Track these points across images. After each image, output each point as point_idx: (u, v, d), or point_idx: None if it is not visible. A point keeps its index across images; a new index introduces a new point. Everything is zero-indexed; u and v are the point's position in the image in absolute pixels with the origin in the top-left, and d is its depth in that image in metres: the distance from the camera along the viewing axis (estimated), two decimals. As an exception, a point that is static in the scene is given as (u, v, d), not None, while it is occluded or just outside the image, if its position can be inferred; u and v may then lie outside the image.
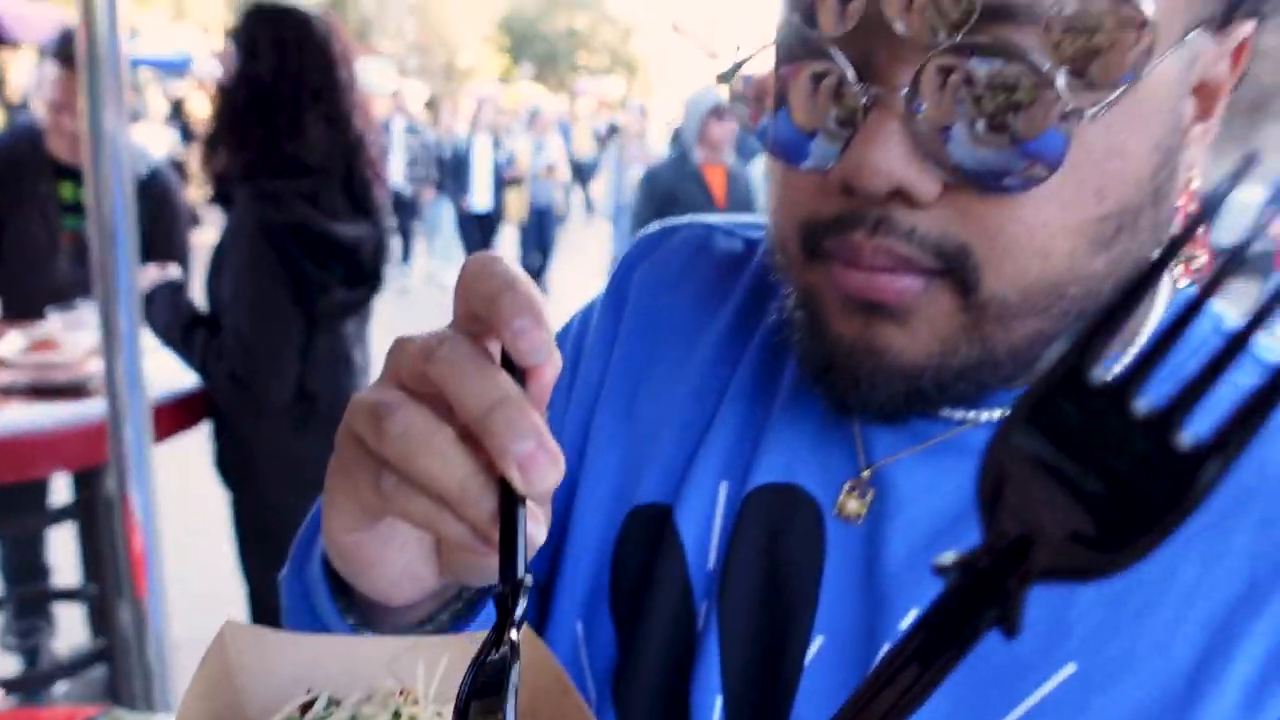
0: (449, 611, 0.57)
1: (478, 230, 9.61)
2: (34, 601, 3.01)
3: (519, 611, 0.43)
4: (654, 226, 0.82)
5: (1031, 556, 0.25)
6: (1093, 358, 0.26)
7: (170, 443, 2.42)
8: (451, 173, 10.09)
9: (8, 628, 2.95)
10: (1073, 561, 0.25)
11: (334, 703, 0.47)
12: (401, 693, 0.46)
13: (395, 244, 9.94)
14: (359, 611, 0.56)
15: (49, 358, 2.39)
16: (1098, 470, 0.24)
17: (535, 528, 0.44)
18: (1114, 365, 0.59)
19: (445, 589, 0.55)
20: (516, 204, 10.19)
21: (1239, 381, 0.26)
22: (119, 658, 2.47)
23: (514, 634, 0.43)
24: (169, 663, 2.05)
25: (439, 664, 0.49)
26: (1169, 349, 0.27)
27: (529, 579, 0.44)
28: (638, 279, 0.78)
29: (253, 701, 0.49)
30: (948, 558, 0.27)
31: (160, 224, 3.08)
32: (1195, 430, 0.24)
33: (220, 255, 2.28)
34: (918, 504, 0.61)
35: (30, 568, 3.07)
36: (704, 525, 0.67)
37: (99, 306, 1.88)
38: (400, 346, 0.46)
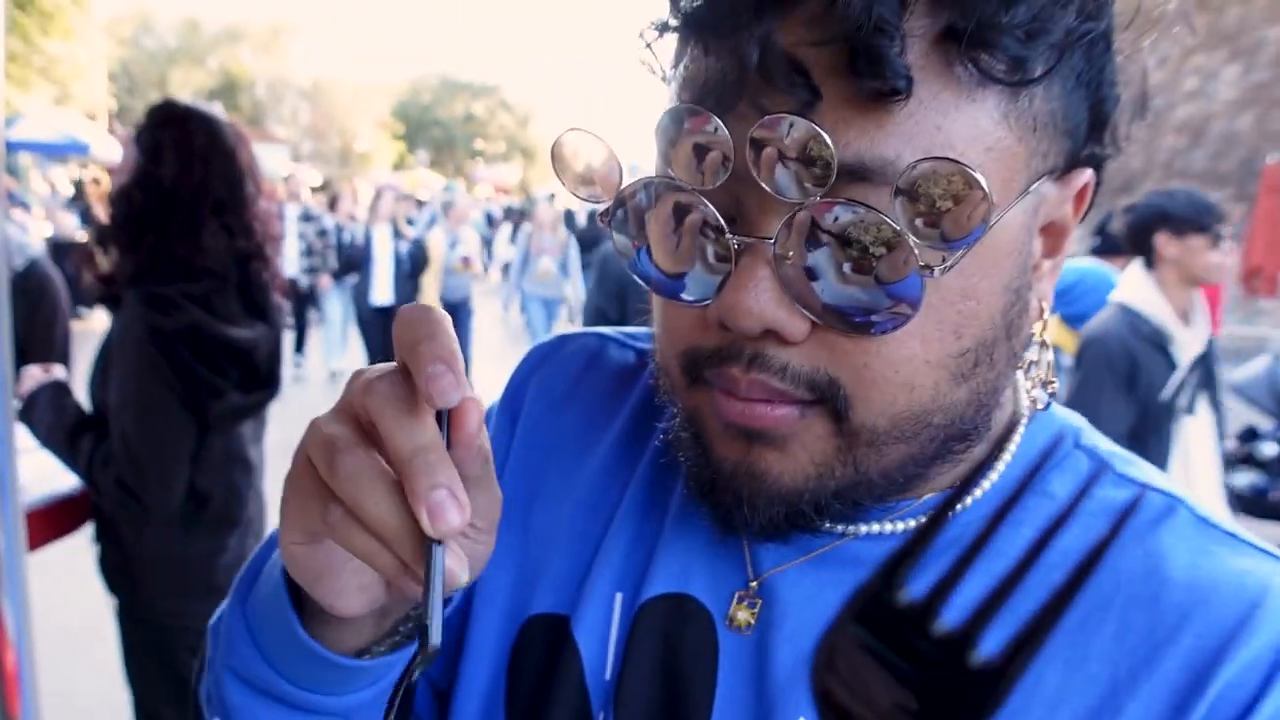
0: (386, 644, 0.61)
1: (379, 325, 8.75)
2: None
3: (433, 639, 0.48)
4: (550, 337, 0.85)
5: None
6: (898, 583, 0.31)
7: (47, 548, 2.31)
8: (347, 264, 9.47)
9: None
10: None
11: None
12: None
13: (290, 334, 9.40)
14: (314, 628, 0.59)
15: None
16: (908, 677, 0.27)
17: (459, 568, 0.49)
18: (976, 489, 0.63)
19: (386, 617, 0.60)
20: (429, 297, 9.35)
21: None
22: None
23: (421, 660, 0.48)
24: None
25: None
26: (969, 568, 0.33)
27: (436, 619, 0.48)
28: (531, 391, 0.81)
29: None
30: None
31: (40, 316, 2.99)
32: (989, 645, 0.28)
33: (105, 358, 2.19)
34: (802, 613, 0.63)
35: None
36: (601, 635, 0.68)
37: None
38: (355, 377, 0.52)
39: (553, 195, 11.35)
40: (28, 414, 2.21)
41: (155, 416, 2.13)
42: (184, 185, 2.14)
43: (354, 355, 10.26)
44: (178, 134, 2.15)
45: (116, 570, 2.30)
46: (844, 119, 0.50)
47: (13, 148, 17.30)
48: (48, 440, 2.21)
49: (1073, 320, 3.38)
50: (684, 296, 0.58)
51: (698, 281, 0.57)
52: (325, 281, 10.13)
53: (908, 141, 0.50)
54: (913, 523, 0.63)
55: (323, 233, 10.17)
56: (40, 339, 2.99)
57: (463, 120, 53.92)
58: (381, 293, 8.66)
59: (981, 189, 0.49)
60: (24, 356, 2.68)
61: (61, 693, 3.48)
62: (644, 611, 0.67)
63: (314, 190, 13.24)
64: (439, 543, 0.48)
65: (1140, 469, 0.65)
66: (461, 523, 0.47)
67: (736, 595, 0.65)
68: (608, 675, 0.67)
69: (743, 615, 0.64)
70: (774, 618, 0.63)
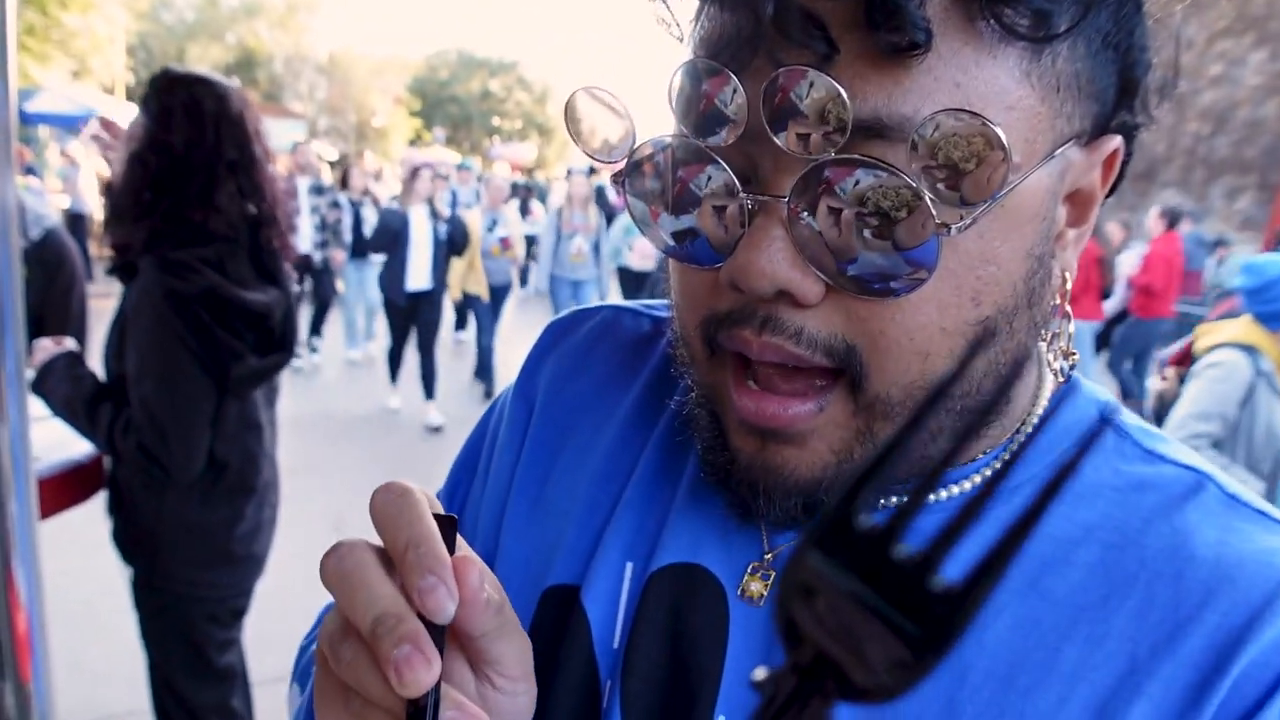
0: None
1: (411, 312, 8.11)
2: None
3: None
4: (566, 313, 0.84)
5: (832, 678, 0.27)
6: (862, 505, 0.31)
7: (63, 515, 2.33)
8: (375, 245, 8.49)
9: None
10: (868, 680, 0.28)
11: None
12: None
13: (305, 315, 9.00)
14: None
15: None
16: (870, 603, 0.27)
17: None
18: (995, 460, 0.62)
19: None
20: (459, 281, 8.73)
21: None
22: (-2, 745, 2.33)
23: None
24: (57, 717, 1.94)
25: None
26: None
27: None
28: (548, 367, 0.81)
29: None
30: (759, 673, 0.28)
31: (57, 286, 3.00)
32: (949, 573, 0.28)
33: (120, 328, 2.20)
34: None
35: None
36: (610, 605, 0.68)
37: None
38: (321, 565, 0.52)
39: (591, 169, 10.43)
40: (42, 385, 2.22)
41: (176, 381, 2.14)
42: (197, 149, 2.14)
43: (378, 344, 9.90)
44: (187, 99, 2.15)
45: (134, 540, 2.32)
46: (861, 74, 0.49)
47: (30, 120, 17.37)
48: (64, 410, 2.22)
49: (1269, 319, 3.28)
50: (698, 259, 0.57)
51: (712, 244, 0.56)
52: (339, 257, 9.61)
53: (926, 97, 0.49)
54: (932, 496, 0.61)
55: (335, 204, 9.66)
56: (56, 309, 3.00)
57: (479, 97, 53.85)
58: (418, 277, 7.99)
59: (1002, 146, 0.48)
60: (40, 326, 2.70)
61: (74, 663, 3.52)
62: (654, 580, 0.66)
63: (331, 164, 12.93)
64: (431, 701, 0.48)
65: (1168, 445, 0.63)
66: (431, 676, 0.47)
67: (750, 566, 0.65)
68: (616, 644, 0.67)
69: (756, 586, 0.64)
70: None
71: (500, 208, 9.27)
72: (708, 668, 0.63)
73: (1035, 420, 0.64)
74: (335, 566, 0.51)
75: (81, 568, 3.96)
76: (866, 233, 0.51)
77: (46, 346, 2.29)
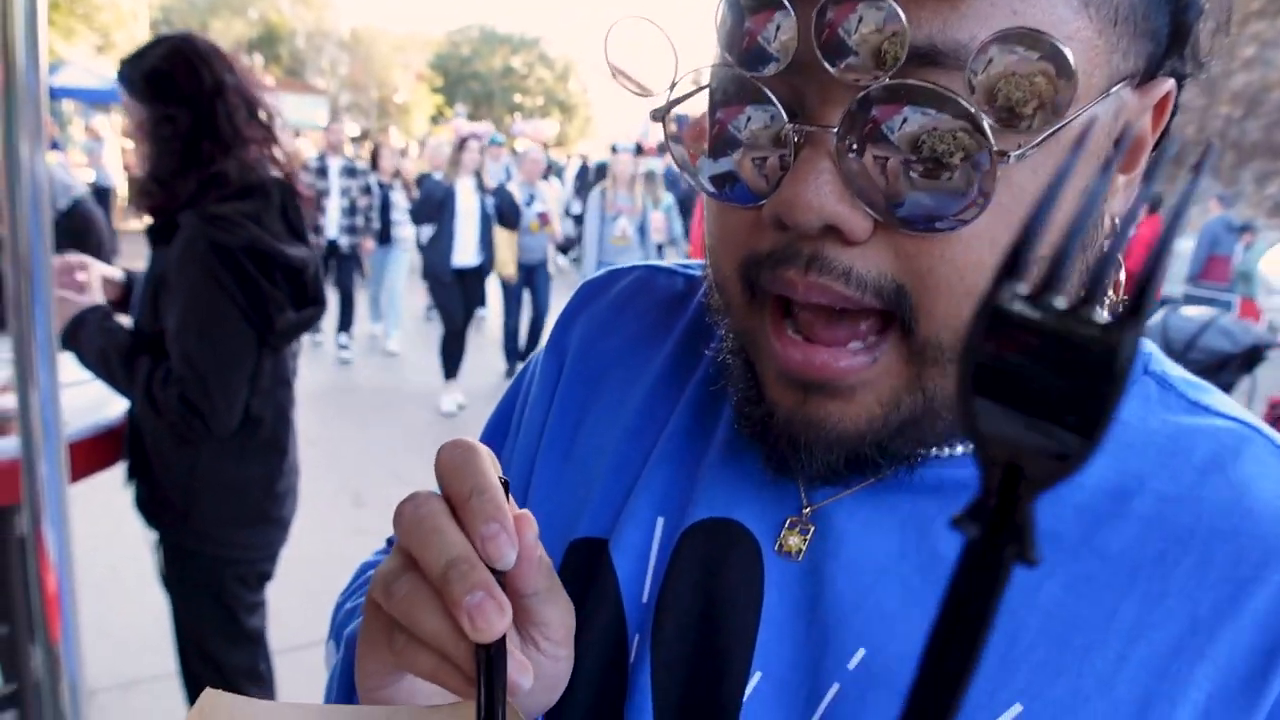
0: None
1: (459, 289, 7.67)
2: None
3: None
4: (599, 272, 0.84)
5: (1023, 482, 0.27)
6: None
7: (89, 483, 2.35)
8: (419, 216, 7.96)
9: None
10: (1050, 470, 0.27)
11: None
12: None
13: (331, 304, 9.03)
14: None
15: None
16: (1042, 374, 0.26)
17: (521, 676, 0.50)
18: None
19: None
20: (505, 258, 8.17)
21: None
22: (30, 703, 2.37)
23: None
24: (83, 708, 1.97)
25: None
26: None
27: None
28: (579, 325, 0.80)
29: None
30: (960, 514, 0.28)
31: (84, 254, 3.02)
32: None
33: (154, 287, 2.23)
34: (860, 541, 0.61)
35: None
36: (639, 559, 0.67)
37: (13, 344, 1.82)
38: (397, 511, 0.53)
39: (638, 147, 9.52)
40: (73, 339, 2.23)
41: (220, 333, 2.17)
42: (220, 105, 2.18)
43: (411, 334, 9.64)
44: (194, 58, 2.18)
45: (163, 502, 2.34)
46: (915, 0, 0.47)
47: (55, 94, 17.45)
48: (97, 363, 2.24)
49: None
50: (740, 197, 0.55)
51: (755, 180, 0.54)
52: (368, 245, 9.08)
53: (983, 23, 0.47)
54: (961, 447, 0.61)
55: (368, 189, 9.09)
56: (83, 277, 3.01)
57: (501, 74, 53.68)
58: (465, 252, 7.61)
59: (1067, 69, 0.46)
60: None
61: (100, 628, 3.56)
62: (686, 536, 0.66)
63: (352, 140, 12.71)
64: (496, 649, 0.49)
65: (1212, 396, 0.62)
66: (503, 623, 0.48)
67: (788, 521, 0.64)
68: (645, 598, 0.66)
69: (794, 541, 0.63)
70: (828, 546, 0.62)
71: (537, 183, 8.94)
72: (742, 624, 0.62)
73: None
74: (411, 512, 0.52)
75: (107, 535, 4.01)
76: (918, 165, 0.49)
77: (71, 297, 2.32)
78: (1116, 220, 0.59)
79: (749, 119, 0.53)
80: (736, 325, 0.61)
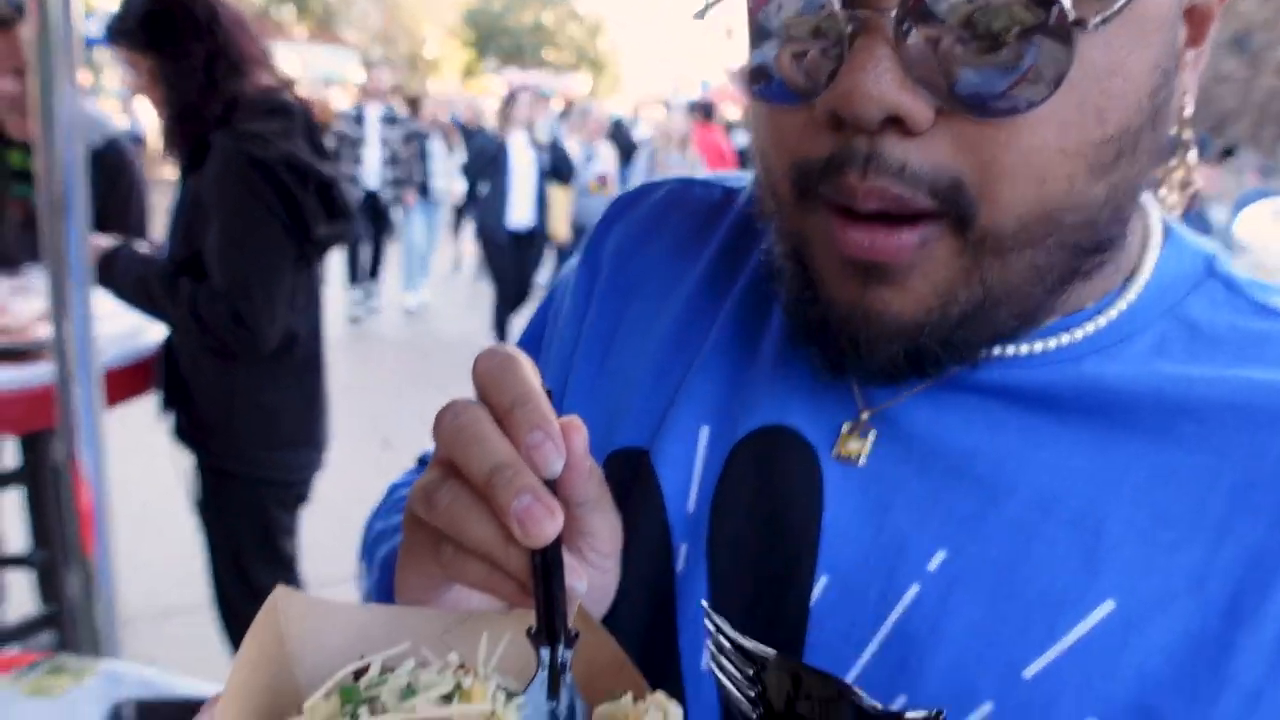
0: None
1: (514, 253, 7.23)
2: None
3: (567, 659, 0.48)
4: (633, 188, 0.82)
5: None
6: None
7: (121, 422, 2.39)
8: (475, 173, 7.55)
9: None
10: None
11: (388, 670, 0.46)
12: (460, 666, 0.45)
13: (364, 259, 8.55)
14: None
15: (-9, 323, 2.35)
16: None
17: (576, 580, 0.49)
18: (1104, 311, 0.59)
19: None
20: (560, 221, 7.72)
21: None
22: (68, 624, 2.44)
23: (566, 679, 0.48)
24: (118, 627, 2.03)
25: (501, 638, 0.49)
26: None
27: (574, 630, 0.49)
28: (614, 237, 0.79)
29: (303, 669, 0.48)
30: None
31: (118, 191, 3.04)
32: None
33: (187, 211, 2.26)
34: (928, 442, 0.60)
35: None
36: (683, 467, 0.66)
37: (48, 275, 1.86)
38: (436, 419, 0.52)
39: (697, 105, 8.85)
40: (107, 274, 2.27)
41: (262, 245, 2.22)
42: (218, 29, 2.21)
43: (438, 290, 9.40)
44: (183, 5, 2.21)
45: (202, 426, 2.39)
46: None
47: (90, 43, 17.47)
48: (136, 292, 2.28)
49: None
50: (779, 95, 0.53)
51: (796, 76, 0.52)
52: (410, 197, 8.53)
53: None
54: (1039, 345, 0.59)
55: (409, 138, 8.45)
56: (117, 214, 3.03)
57: (532, 29, 53.18)
58: (520, 212, 7.10)
59: None
60: (101, 231, 2.74)
61: (134, 560, 3.64)
62: (739, 448, 0.65)
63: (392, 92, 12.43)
64: (550, 554, 0.48)
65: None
66: (555, 526, 0.47)
67: (846, 425, 0.62)
68: (690, 508, 0.65)
69: (853, 446, 0.61)
70: (891, 449, 0.60)
71: (597, 141, 8.38)
72: (804, 530, 0.61)
73: (1148, 268, 0.60)
74: (451, 420, 0.50)
75: (140, 472, 4.09)
76: (984, 41, 0.46)
77: (101, 241, 2.35)
78: (1185, 96, 0.57)
79: (783, 7, 0.51)
80: (790, 226, 0.59)
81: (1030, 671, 0.53)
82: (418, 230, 8.71)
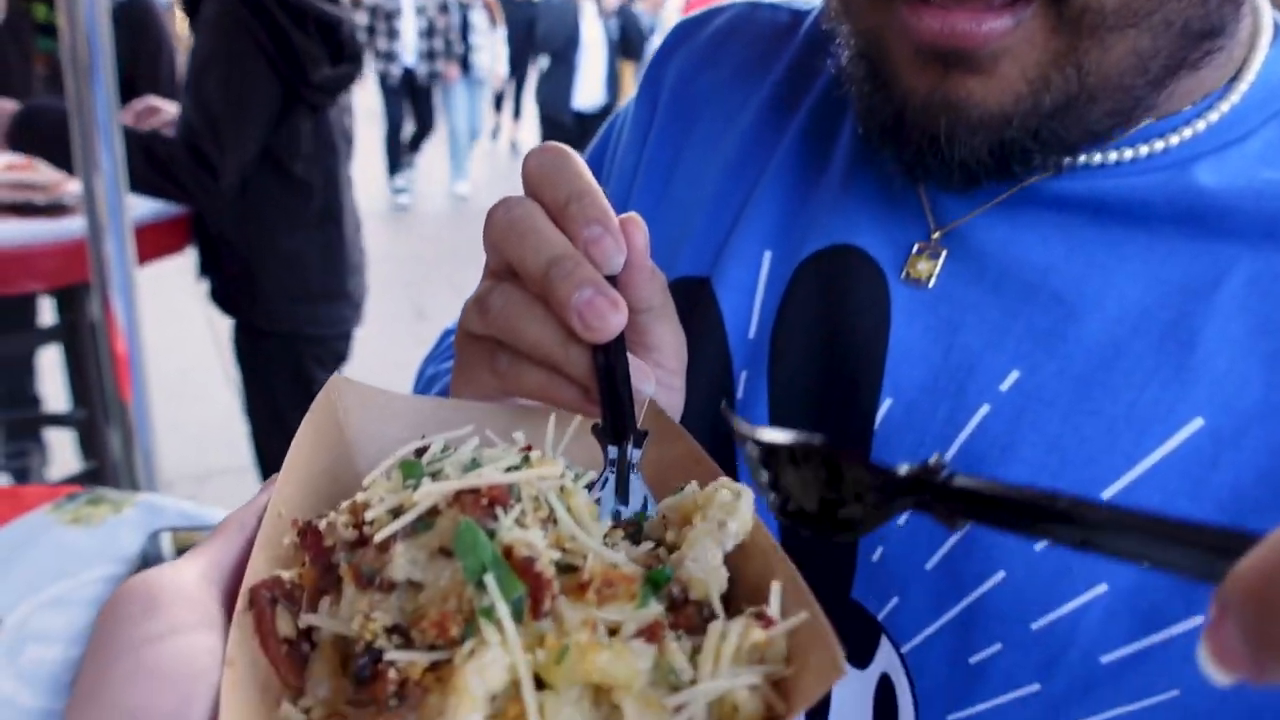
0: None
1: (579, 136, 6.47)
2: (24, 426, 3.03)
3: (636, 458, 0.47)
4: (695, 12, 0.79)
5: None
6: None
7: (159, 290, 2.40)
8: (549, 49, 6.71)
9: (-2, 453, 2.98)
10: None
11: (450, 448, 0.44)
12: (527, 448, 0.43)
13: (402, 139, 8.17)
14: None
15: (26, 177, 2.34)
16: None
17: (643, 382, 0.47)
18: (1208, 112, 0.55)
19: None
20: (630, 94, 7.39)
21: None
22: (109, 481, 2.50)
23: (634, 480, 0.47)
24: (159, 488, 2.07)
25: (568, 428, 0.47)
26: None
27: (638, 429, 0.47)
28: (675, 62, 0.76)
29: (363, 457, 0.47)
30: None
31: (144, 47, 3.00)
32: None
33: (192, 68, 2.23)
34: (1003, 261, 0.57)
35: (20, 397, 3.08)
36: (745, 294, 0.65)
37: (75, 129, 1.83)
38: (487, 218, 0.49)
39: None
40: (26, 135, 2.21)
41: (242, 79, 2.16)
42: None
43: (482, 169, 9.09)
44: None
45: (233, 286, 2.40)
46: None
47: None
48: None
49: None
50: None
51: None
52: (452, 72, 7.97)
53: None
54: (1129, 152, 0.55)
55: (445, 7, 7.90)
56: (147, 71, 3.00)
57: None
58: (590, 90, 6.47)
59: None
60: (132, 89, 2.71)
61: (172, 426, 3.72)
62: (803, 269, 0.63)
63: None
64: (614, 351, 0.45)
65: None
66: (618, 319, 0.44)
67: (916, 246, 0.60)
68: (751, 334, 0.64)
69: (924, 266, 0.59)
70: (964, 268, 0.58)
71: (660, 12, 7.82)
72: (869, 352, 0.59)
73: (1255, 67, 0.56)
74: (503, 215, 0.48)
75: (177, 341, 4.15)
76: None
77: (153, 104, 2.31)
78: None
79: None
80: (861, 24, 0.56)
81: (1109, 492, 0.51)
82: (460, 111, 8.23)
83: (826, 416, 0.60)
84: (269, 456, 2.57)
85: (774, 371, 0.62)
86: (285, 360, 2.44)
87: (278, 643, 0.37)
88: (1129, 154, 0.55)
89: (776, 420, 0.62)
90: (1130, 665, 0.50)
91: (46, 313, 3.01)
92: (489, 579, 0.34)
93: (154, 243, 2.34)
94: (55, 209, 2.33)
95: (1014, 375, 0.55)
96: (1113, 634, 0.51)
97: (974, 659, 0.54)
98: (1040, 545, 0.52)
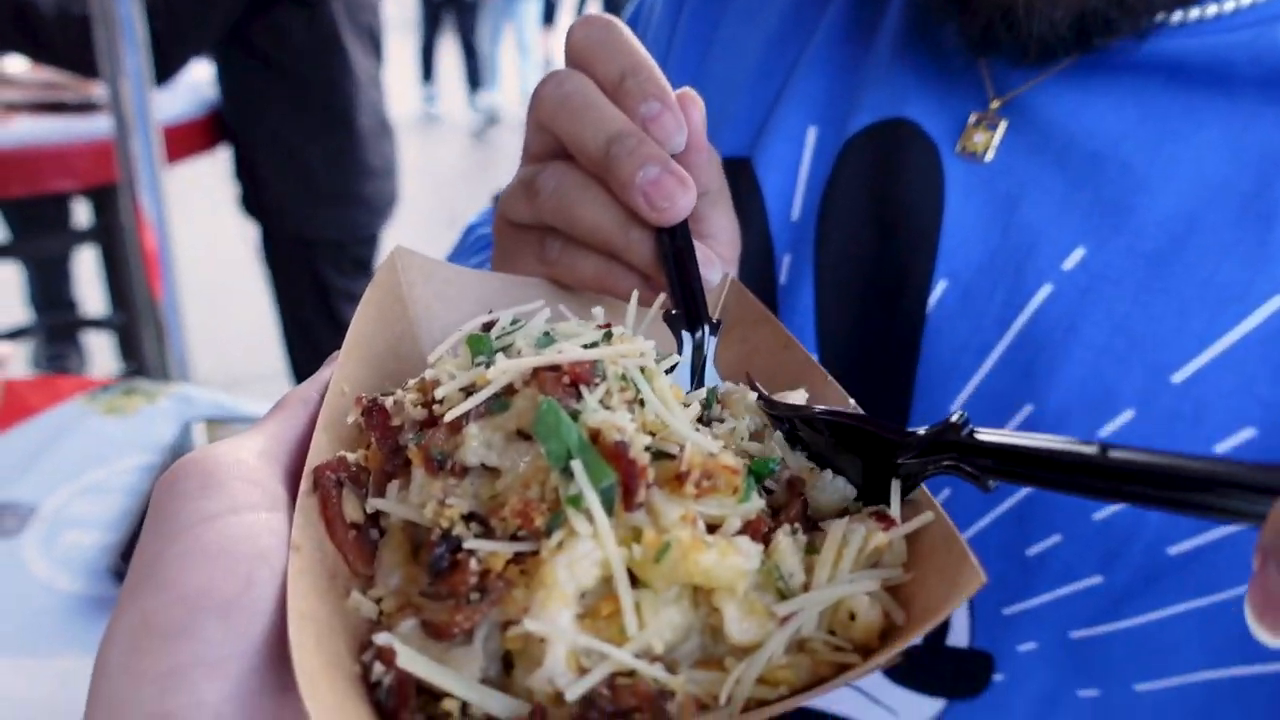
0: None
1: None
2: (62, 331, 3.06)
3: (711, 349, 0.44)
4: None
5: None
6: None
7: (188, 199, 2.38)
8: None
9: (37, 355, 3.02)
10: None
11: (519, 322, 0.41)
12: (605, 325, 0.40)
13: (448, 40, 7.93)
14: None
15: (55, 76, 2.33)
16: None
17: (711, 270, 0.44)
18: None
19: None
20: None
21: None
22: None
23: (709, 370, 0.44)
24: (192, 376, 2.09)
25: (646, 313, 0.44)
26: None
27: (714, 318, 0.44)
28: None
29: (426, 335, 0.44)
30: None
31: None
32: None
33: None
34: (1065, 130, 0.54)
35: (57, 301, 3.11)
36: (788, 173, 0.61)
37: (99, 34, 1.81)
38: (535, 93, 0.46)
39: None
40: None
41: None
42: None
43: (510, 88, 8.63)
44: None
45: (254, 194, 2.38)
46: None
47: None
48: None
49: None
50: None
51: None
52: None
53: None
54: (1212, 8, 0.51)
55: None
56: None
57: None
58: None
59: None
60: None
61: (204, 333, 3.76)
62: (851, 145, 0.59)
63: None
64: (680, 234, 0.42)
65: None
66: (687, 200, 0.41)
67: (973, 117, 0.56)
68: (795, 215, 0.61)
69: (980, 138, 0.56)
70: (1026, 140, 0.54)
71: None
72: (921, 232, 0.56)
73: None
74: (554, 90, 0.45)
75: (206, 251, 4.16)
76: None
77: None
78: None
79: None
80: None
81: (1180, 376, 0.48)
82: (484, 21, 7.91)
83: (876, 302, 0.57)
84: (298, 364, 2.58)
85: (820, 255, 0.59)
86: (302, 264, 2.42)
87: (345, 528, 0.34)
88: (1212, 9, 0.51)
89: (822, 308, 0.59)
90: (1197, 558, 0.48)
91: (83, 218, 3.01)
92: (576, 465, 0.31)
93: (182, 142, 2.32)
94: (86, 107, 2.31)
95: (1079, 252, 0.52)
96: (1181, 524, 0.48)
97: (1031, 551, 0.52)
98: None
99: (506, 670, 0.32)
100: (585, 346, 0.36)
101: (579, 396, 0.33)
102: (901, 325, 0.56)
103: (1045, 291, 0.52)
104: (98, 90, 2.33)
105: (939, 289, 0.55)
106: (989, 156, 0.55)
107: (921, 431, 0.33)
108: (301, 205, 2.36)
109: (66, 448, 1.15)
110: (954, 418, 0.33)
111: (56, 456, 1.13)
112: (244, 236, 2.46)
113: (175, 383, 2.03)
